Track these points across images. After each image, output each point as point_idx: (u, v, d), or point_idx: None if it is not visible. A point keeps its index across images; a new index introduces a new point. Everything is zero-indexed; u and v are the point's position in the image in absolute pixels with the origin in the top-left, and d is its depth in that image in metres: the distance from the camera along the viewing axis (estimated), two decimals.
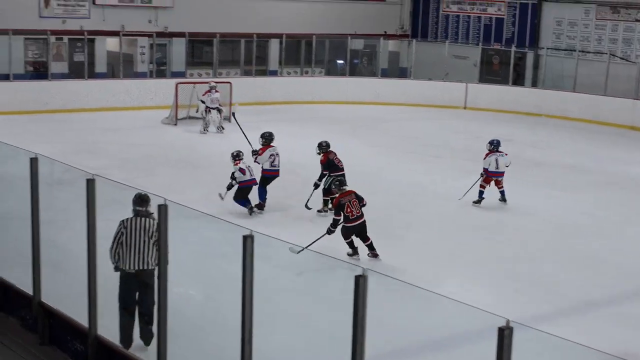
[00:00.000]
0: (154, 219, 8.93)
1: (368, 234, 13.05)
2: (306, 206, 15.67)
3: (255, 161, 16.29)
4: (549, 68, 31.32)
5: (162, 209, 6.87)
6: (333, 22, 33.47)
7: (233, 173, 15.62)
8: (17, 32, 26.25)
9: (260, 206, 15.81)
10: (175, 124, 24.67)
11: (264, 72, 32.25)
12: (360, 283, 5.48)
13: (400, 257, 13.33)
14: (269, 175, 16.22)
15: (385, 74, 33.64)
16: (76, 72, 28.07)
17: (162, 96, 27.05)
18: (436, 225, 15.65)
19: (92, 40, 28.51)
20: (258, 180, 15.83)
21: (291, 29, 32.06)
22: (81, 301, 7.79)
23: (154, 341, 7.55)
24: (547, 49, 31.66)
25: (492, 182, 17.08)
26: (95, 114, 25.77)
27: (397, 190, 18.07)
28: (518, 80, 32.10)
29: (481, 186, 17.03)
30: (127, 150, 20.82)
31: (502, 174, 17.05)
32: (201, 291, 10.70)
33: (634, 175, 20.67)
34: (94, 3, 28.50)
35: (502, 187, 17.10)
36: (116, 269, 9.19)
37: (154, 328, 8.10)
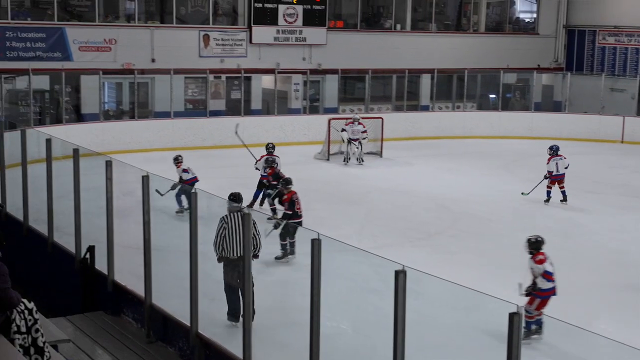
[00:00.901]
0: (249, 214, 9.43)
1: None
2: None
3: (255, 167, 18.59)
4: None
5: (315, 243, 6.91)
6: (485, 56, 33.13)
7: (181, 176, 17.24)
8: (177, 71, 27.22)
9: (251, 204, 16.89)
10: (328, 159, 24.89)
11: (415, 107, 32.18)
12: (514, 321, 5.34)
13: (557, 294, 12.92)
14: (265, 181, 17.89)
15: (539, 107, 32.96)
16: (233, 108, 28.84)
17: (315, 132, 27.38)
18: (590, 262, 15.12)
19: (248, 78, 29.23)
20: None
21: (443, 64, 31.93)
22: (236, 333, 7.90)
23: None
24: None
25: (556, 184, 19.23)
26: (251, 149, 26.30)
27: (549, 226, 17.59)
28: None
29: (548, 187, 19.20)
30: None
31: (563, 175, 19.21)
32: (352, 326, 10.68)
33: None
34: (250, 42, 29.24)
35: (564, 187, 19.23)
36: (219, 259, 10.52)
37: None
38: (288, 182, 14.79)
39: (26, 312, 7.46)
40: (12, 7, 25.92)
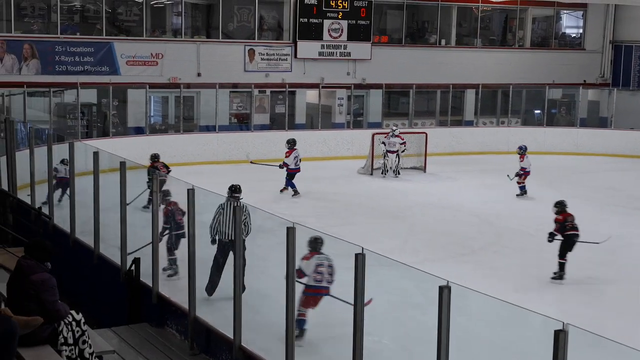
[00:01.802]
0: (242, 204, 10.87)
1: None
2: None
3: (284, 165, 21.39)
4: None
5: (359, 257, 6.90)
6: (530, 72, 32.94)
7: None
8: (223, 85, 27.42)
9: (295, 192, 21.30)
10: (371, 174, 24.86)
11: (459, 122, 32.07)
12: (560, 338, 5.28)
13: (599, 311, 12.78)
14: (293, 172, 21.41)
15: (584, 123, 32.65)
16: (277, 123, 28.96)
17: (358, 146, 27.39)
18: (637, 278, 14.90)
19: (292, 93, 29.35)
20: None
21: (487, 79, 31.79)
22: (279, 347, 7.90)
23: None
24: None
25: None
26: None
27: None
28: None
29: (521, 183, 21.71)
30: (324, 199, 21.14)
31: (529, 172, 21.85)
32: (394, 341, 10.63)
33: None
34: (295, 57, 29.36)
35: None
36: (213, 241, 11.98)
37: None
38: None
39: (74, 323, 7.53)
40: (61, 21, 26.32)
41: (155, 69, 27.24)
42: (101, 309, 11.48)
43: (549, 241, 14.63)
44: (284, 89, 28.64)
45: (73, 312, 7.62)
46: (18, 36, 25.61)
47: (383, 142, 24.64)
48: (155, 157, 19.54)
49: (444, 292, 6.03)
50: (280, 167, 21.46)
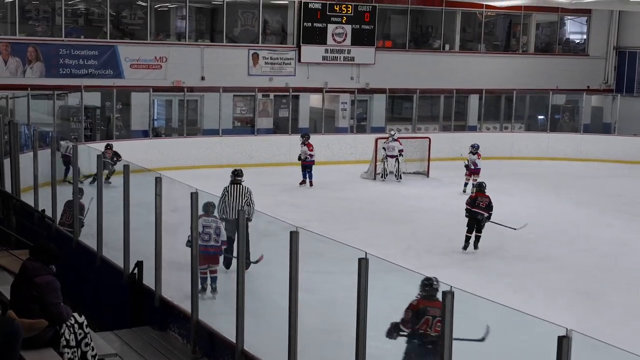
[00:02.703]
0: (245, 186, 14.36)
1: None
2: None
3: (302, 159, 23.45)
4: None
5: (362, 262, 6.88)
6: (534, 77, 32.93)
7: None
8: (226, 89, 27.43)
9: (310, 183, 23.40)
10: (375, 178, 24.87)
11: (462, 128, 32.08)
12: (563, 345, 5.26)
13: (604, 317, 12.75)
14: (307, 164, 23.57)
15: (588, 129, 32.66)
16: (280, 127, 28.98)
17: (361, 151, 27.41)
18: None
19: (296, 97, 29.37)
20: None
21: (491, 84, 31.79)
22: (282, 351, 7.89)
23: None
24: None
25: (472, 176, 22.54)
26: (298, 168, 26.37)
27: (598, 249, 17.37)
28: None
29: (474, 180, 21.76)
30: (328, 204, 21.15)
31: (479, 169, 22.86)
32: (397, 346, 10.61)
33: None
34: (299, 61, 29.39)
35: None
36: (221, 219, 13.15)
37: None
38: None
39: (76, 325, 7.53)
40: (66, 24, 26.35)
41: (159, 73, 27.27)
42: (104, 312, 11.47)
43: (465, 216, 16.70)
44: (287, 93, 28.67)
45: (76, 314, 7.61)
46: (22, 39, 25.66)
47: (383, 147, 24.70)
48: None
49: (447, 298, 6.01)
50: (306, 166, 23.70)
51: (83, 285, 12.44)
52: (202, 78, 27.91)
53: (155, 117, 27.77)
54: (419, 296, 9.14)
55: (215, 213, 13.16)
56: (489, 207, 16.62)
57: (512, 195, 22.19)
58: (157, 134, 26.85)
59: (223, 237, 12.64)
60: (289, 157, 26.80)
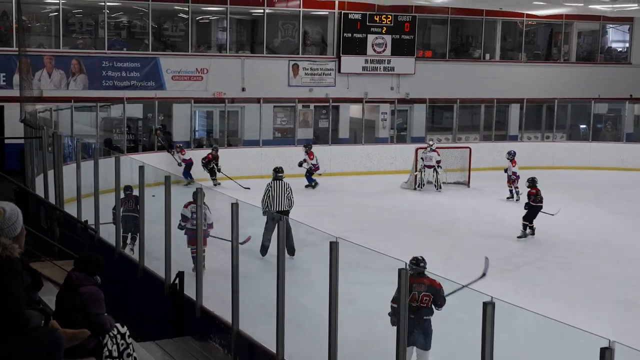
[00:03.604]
0: (286, 182, 16.26)
1: None
2: None
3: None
4: None
5: (403, 273, 6.88)
6: (576, 86, 32.67)
7: None
8: (267, 100, 27.54)
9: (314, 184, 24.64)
10: (414, 189, 24.78)
11: (503, 137, 31.89)
12: (606, 356, 5.21)
13: None
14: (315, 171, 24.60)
15: (631, 138, 32.28)
16: (320, 137, 29.02)
17: (401, 161, 27.35)
18: None
19: (336, 107, 29.43)
20: None
21: (532, 94, 31.57)
22: None
23: None
24: None
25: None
26: (337, 178, 26.39)
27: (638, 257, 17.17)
28: None
29: (516, 187, 22.97)
30: (367, 214, 21.11)
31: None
32: (437, 356, 10.57)
33: None
34: (339, 72, 29.46)
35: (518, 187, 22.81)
36: (264, 213, 15.01)
37: None
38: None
39: (119, 336, 7.59)
40: (108, 37, 26.66)
41: (200, 84, 27.49)
42: (145, 322, 11.55)
43: (525, 209, 18.56)
44: (327, 104, 28.71)
45: (118, 325, 7.67)
46: (66, 52, 26.01)
47: (421, 157, 24.63)
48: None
49: (488, 308, 5.98)
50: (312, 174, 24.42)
51: (125, 295, 12.54)
52: (243, 89, 28.09)
53: (196, 129, 27.96)
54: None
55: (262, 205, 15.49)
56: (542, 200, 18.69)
57: (554, 205, 21.98)
58: (198, 145, 27.01)
59: (209, 220, 13.52)
60: (329, 167, 26.82)
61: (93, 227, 14.12)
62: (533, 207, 18.52)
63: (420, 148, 25.50)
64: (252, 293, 12.16)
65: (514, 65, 32.55)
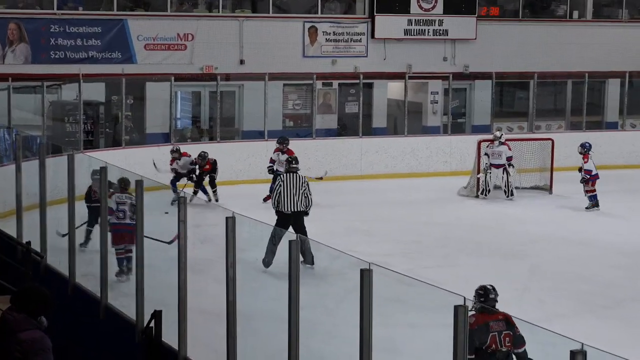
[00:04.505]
0: (302, 175, 17.38)
1: None
2: None
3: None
4: None
5: (461, 311, 6.83)
6: None
7: None
8: (274, 76, 27.47)
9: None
10: (477, 196, 24.71)
11: (598, 125, 31.77)
12: None
13: None
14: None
15: None
16: (348, 127, 28.97)
17: (459, 158, 27.31)
18: None
19: (369, 86, 29.37)
20: None
21: (638, 65, 31.41)
22: None
23: None
24: None
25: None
26: (372, 182, 26.34)
27: None
28: None
29: (591, 191, 23.28)
30: (414, 231, 21.07)
31: (597, 175, 23.41)
32: None
33: None
34: (372, 37, 29.42)
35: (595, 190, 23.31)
36: (276, 212, 16.80)
37: None
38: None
39: None
40: None
41: (184, 55, 27.52)
42: None
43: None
44: (357, 81, 28.67)
45: None
46: (1, 13, 26.08)
47: (486, 154, 24.49)
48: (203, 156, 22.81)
49: (577, 359, 5.94)
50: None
51: (82, 342, 12.56)
52: (241, 62, 28.10)
53: (178, 116, 27.99)
54: (474, 310, 9.57)
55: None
56: None
57: None
58: (180, 139, 27.02)
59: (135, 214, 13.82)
60: (360, 167, 26.80)
61: (38, 251, 14.14)
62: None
63: (485, 140, 25.44)
64: (255, 339, 12.16)
65: (612, 27, 32.40)
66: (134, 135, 26.82)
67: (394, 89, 30.14)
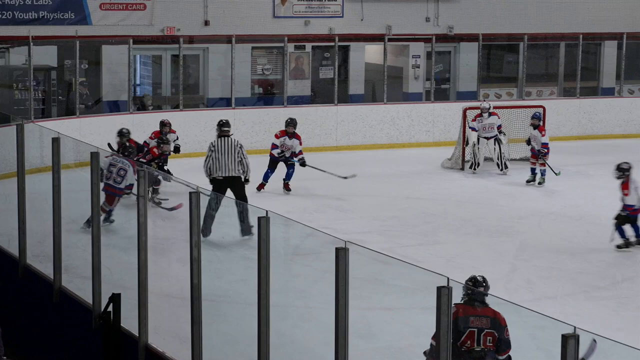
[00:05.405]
0: (235, 139, 17.73)
1: None
2: None
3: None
4: None
5: (443, 292, 6.89)
6: None
7: None
8: (241, 38, 27.43)
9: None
10: (462, 168, 24.77)
11: (594, 91, 31.87)
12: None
13: None
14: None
15: None
16: (322, 94, 28.98)
17: (442, 128, 27.36)
18: None
19: (345, 49, 29.36)
20: None
21: (636, 25, 31.51)
22: None
23: None
24: None
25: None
26: (348, 153, 26.37)
27: None
28: None
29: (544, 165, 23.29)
30: (394, 207, 21.13)
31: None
32: None
33: None
34: None
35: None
36: (210, 181, 17.23)
37: None
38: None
39: None
40: None
41: (143, 16, 27.44)
42: None
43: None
44: (332, 44, 28.66)
45: None
46: None
47: (474, 128, 24.40)
48: (124, 134, 20.30)
49: (570, 343, 6.02)
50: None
51: (34, 329, 12.58)
52: (206, 23, 28.05)
53: (137, 82, 27.92)
54: (461, 301, 9.49)
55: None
56: None
57: None
58: (140, 107, 26.99)
59: (127, 182, 15.58)
60: (336, 137, 26.82)
61: None
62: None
63: (471, 108, 25.48)
64: (222, 325, 12.22)
65: None
66: (90, 104, 26.73)
67: (372, 53, 30.15)
